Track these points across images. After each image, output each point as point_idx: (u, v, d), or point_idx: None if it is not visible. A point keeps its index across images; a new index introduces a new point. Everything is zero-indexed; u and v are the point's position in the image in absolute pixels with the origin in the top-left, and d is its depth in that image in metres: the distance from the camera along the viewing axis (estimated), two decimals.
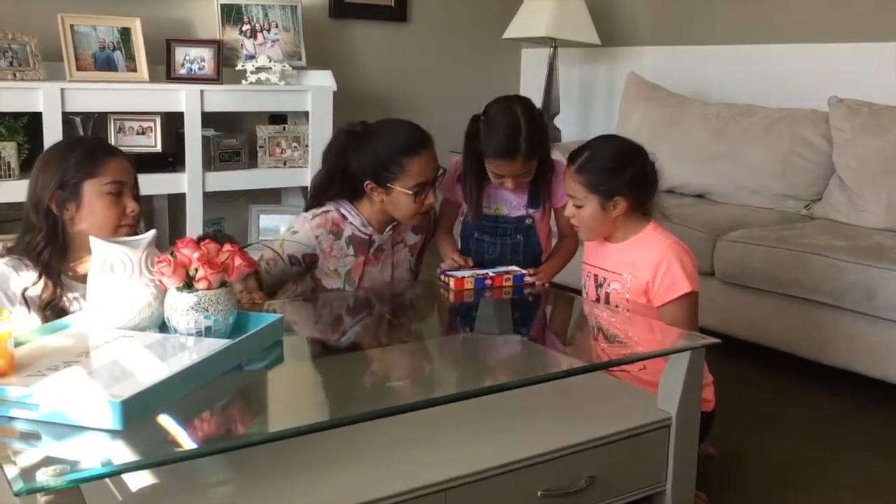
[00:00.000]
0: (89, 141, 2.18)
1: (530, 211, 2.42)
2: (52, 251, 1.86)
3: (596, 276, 2.18)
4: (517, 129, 2.21)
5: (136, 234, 1.86)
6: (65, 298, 1.88)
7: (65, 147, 1.97)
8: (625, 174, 2.05)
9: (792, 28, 3.79)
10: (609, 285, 2.13)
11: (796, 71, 3.75)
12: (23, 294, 1.84)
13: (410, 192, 2.19)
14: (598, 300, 2.16)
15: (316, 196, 2.32)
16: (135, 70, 3.61)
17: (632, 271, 2.09)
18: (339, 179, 2.28)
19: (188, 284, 1.62)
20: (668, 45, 4.33)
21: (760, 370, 2.94)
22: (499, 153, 2.25)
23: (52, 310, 1.85)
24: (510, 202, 2.42)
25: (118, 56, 3.59)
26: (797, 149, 3.41)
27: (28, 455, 1.20)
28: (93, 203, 1.87)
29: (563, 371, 1.72)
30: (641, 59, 4.40)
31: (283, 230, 2.46)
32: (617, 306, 2.11)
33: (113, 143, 3.53)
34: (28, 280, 1.85)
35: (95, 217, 1.87)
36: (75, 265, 1.91)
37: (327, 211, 2.28)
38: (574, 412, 1.74)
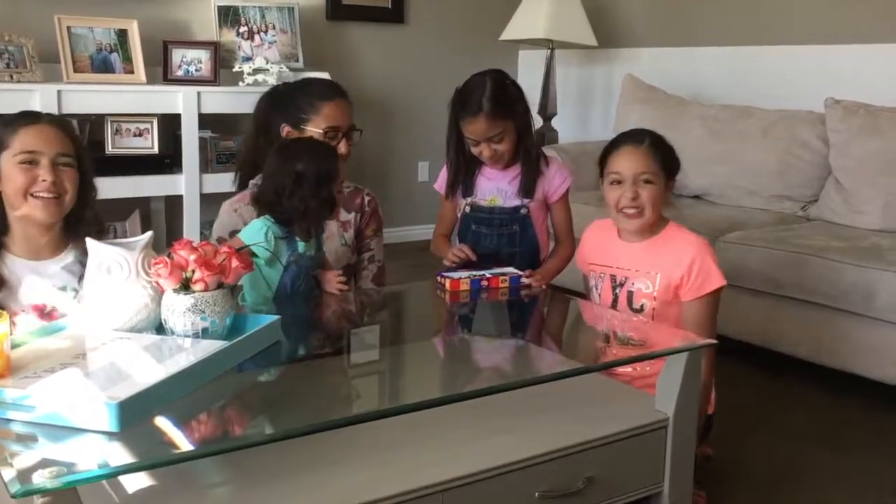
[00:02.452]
0: (18, 114, 2.10)
1: (525, 201, 2.43)
2: None
3: (613, 276, 2.17)
4: (482, 89, 2.34)
5: (60, 209, 1.89)
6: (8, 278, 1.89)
7: None
8: (677, 161, 2.12)
9: (789, 30, 3.80)
10: (633, 284, 2.12)
11: (793, 72, 3.75)
12: None
13: (321, 131, 2.36)
14: (615, 300, 2.16)
15: (244, 170, 2.46)
16: (132, 72, 3.62)
17: (661, 269, 2.09)
18: (265, 142, 2.42)
19: (185, 286, 1.62)
20: (665, 46, 4.33)
21: (758, 371, 2.94)
22: (464, 110, 2.35)
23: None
24: (504, 192, 2.44)
25: (115, 58, 3.59)
26: (794, 150, 3.41)
27: (25, 457, 1.20)
28: (8, 173, 1.89)
29: (561, 372, 1.72)
30: (639, 60, 4.40)
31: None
32: (642, 306, 2.11)
33: (110, 144, 3.54)
34: None
35: (7, 185, 1.89)
36: (9, 241, 1.92)
37: (245, 189, 2.36)
38: (572, 413, 1.74)
